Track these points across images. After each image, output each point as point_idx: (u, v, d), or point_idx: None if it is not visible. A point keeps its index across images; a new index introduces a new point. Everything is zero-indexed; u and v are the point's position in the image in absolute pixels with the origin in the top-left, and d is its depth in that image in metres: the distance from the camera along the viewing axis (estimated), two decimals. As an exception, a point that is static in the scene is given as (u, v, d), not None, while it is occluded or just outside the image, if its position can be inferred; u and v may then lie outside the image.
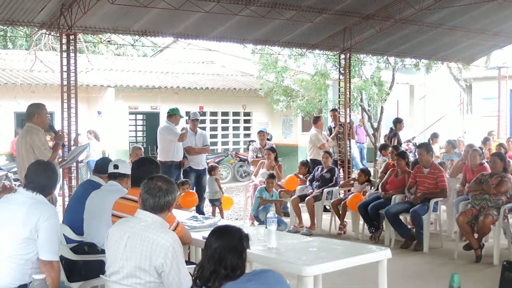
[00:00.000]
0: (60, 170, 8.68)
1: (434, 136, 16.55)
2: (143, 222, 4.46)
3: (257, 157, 13.67)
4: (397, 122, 15.20)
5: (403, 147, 14.99)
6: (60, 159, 9.02)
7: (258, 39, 14.20)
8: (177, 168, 11.91)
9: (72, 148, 11.55)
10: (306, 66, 20.91)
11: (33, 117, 8.11)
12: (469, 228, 9.12)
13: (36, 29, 12.99)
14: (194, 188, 12.03)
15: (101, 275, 4.72)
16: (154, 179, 4.61)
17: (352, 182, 12.44)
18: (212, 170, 12.97)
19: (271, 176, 11.82)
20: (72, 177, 11.82)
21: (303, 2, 12.23)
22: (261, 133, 14.18)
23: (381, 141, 18.80)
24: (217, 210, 12.81)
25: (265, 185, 11.76)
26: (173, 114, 12.10)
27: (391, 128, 15.12)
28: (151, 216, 4.48)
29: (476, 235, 9.15)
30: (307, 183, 12.39)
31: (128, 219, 4.66)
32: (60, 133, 8.83)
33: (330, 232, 11.60)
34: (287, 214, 12.70)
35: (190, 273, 4.46)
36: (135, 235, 4.39)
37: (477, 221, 9.06)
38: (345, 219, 11.55)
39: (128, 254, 4.38)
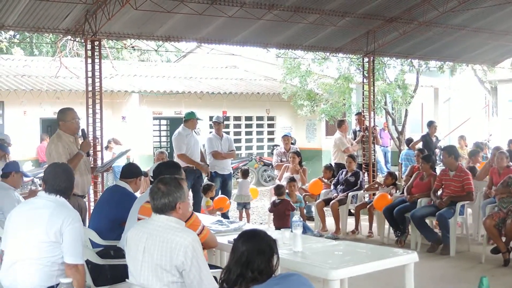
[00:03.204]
0: (90, 176, 8.55)
1: (461, 138, 16.47)
2: (159, 222, 4.53)
3: (281, 161, 13.65)
4: (428, 125, 15.16)
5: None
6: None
7: (281, 43, 14.19)
8: (192, 173, 11.79)
9: (98, 153, 11.64)
10: (330, 70, 20.87)
11: (59, 124, 8.01)
12: (496, 232, 9.03)
13: (61, 35, 13.08)
14: (220, 192, 12.05)
15: (127, 279, 4.75)
16: (158, 182, 4.67)
17: (376, 186, 12.39)
18: (246, 173, 13.08)
19: (292, 180, 11.78)
20: (98, 183, 11.88)
21: (326, 6, 12.21)
22: (286, 137, 14.16)
23: (405, 144, 18.71)
24: (243, 214, 12.86)
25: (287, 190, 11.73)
26: (189, 119, 11.94)
27: (427, 132, 15.08)
28: (161, 217, 4.55)
29: (503, 239, 9.06)
30: (332, 187, 12.36)
31: (144, 222, 4.74)
32: (88, 141, 8.51)
33: (353, 235, 11.58)
34: (311, 218, 12.68)
35: (215, 277, 4.46)
36: (154, 237, 4.44)
37: (504, 224, 8.96)
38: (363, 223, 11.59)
39: (148, 257, 4.43)
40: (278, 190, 10.89)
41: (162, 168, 6.04)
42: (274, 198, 12.41)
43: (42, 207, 4.90)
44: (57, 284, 4.83)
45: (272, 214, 10.95)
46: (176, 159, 11.71)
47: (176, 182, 4.67)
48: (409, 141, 17.05)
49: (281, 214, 10.49)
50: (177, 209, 4.58)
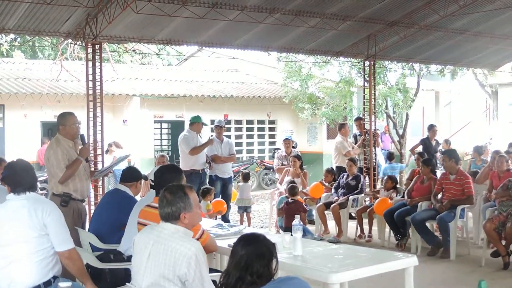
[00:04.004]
0: (89, 181, 8.46)
1: (445, 142, 16.38)
2: (166, 230, 4.49)
3: (282, 164, 13.65)
4: (428, 129, 15.08)
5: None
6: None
7: (283, 46, 14.18)
8: (198, 176, 11.86)
9: (98, 157, 11.62)
10: (331, 74, 20.87)
11: (59, 128, 7.90)
12: (496, 235, 9.04)
13: (62, 39, 13.08)
14: (220, 196, 12.05)
15: (127, 283, 4.75)
16: (165, 190, 4.64)
17: (379, 192, 12.33)
18: (247, 177, 13.10)
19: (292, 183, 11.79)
20: (98, 186, 11.87)
21: (327, 10, 12.21)
22: (287, 140, 14.16)
23: (407, 148, 18.71)
24: (244, 217, 12.86)
25: (285, 194, 11.69)
26: (194, 122, 12.05)
27: (427, 136, 15.00)
28: (168, 224, 4.52)
29: (503, 242, 9.07)
30: (332, 190, 12.36)
31: (152, 227, 4.70)
32: (87, 147, 8.35)
33: (356, 240, 11.58)
34: (312, 222, 12.68)
35: (215, 280, 4.46)
36: (159, 244, 4.41)
37: (504, 228, 8.97)
38: (371, 227, 11.60)
39: (152, 264, 4.40)
40: (292, 190, 11.11)
41: (163, 171, 6.03)
42: (275, 201, 12.48)
43: (18, 208, 4.97)
44: (54, 278, 4.98)
45: (274, 215, 11.01)
46: (182, 161, 11.79)
47: (181, 192, 4.61)
48: (389, 156, 17.00)
49: (293, 214, 10.43)
50: (182, 219, 4.53)
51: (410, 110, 20.37)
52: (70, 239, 5.09)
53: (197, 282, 4.29)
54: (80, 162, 7.79)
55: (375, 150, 15.29)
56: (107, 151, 17.26)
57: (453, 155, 10.57)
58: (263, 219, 14.67)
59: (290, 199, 11.01)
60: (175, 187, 4.67)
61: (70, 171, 7.61)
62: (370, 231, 11.64)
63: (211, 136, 12.31)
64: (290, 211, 10.75)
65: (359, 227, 11.82)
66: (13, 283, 4.87)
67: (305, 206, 11.16)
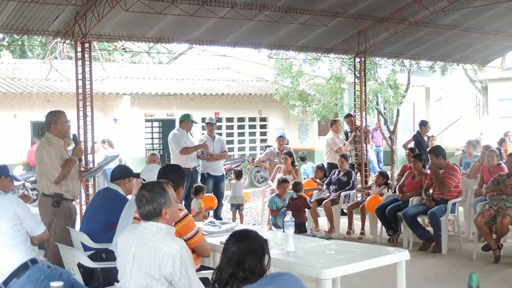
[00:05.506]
0: (79, 181, 8.40)
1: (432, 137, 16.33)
2: (148, 230, 4.48)
3: (269, 160, 13.70)
4: (422, 124, 14.98)
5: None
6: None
7: (273, 44, 14.18)
8: (189, 175, 11.81)
9: (89, 157, 11.59)
10: (321, 70, 20.88)
11: (49, 127, 7.76)
12: (487, 229, 9.08)
13: (51, 38, 13.04)
14: (212, 193, 12.03)
15: (115, 283, 4.73)
16: (142, 189, 4.62)
17: (370, 188, 12.34)
18: (239, 175, 13.09)
19: (284, 181, 11.75)
20: (89, 185, 11.84)
21: (317, 6, 12.22)
22: (281, 138, 14.16)
23: (398, 144, 18.73)
24: (237, 215, 12.86)
25: (277, 192, 11.65)
26: (183, 120, 11.99)
27: (418, 131, 14.96)
28: (150, 223, 4.50)
29: (494, 236, 9.11)
30: (324, 186, 12.36)
31: (133, 228, 4.70)
32: (80, 147, 8.27)
33: (348, 236, 11.59)
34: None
35: (207, 278, 4.46)
36: (143, 245, 4.40)
37: (495, 222, 9.02)
38: (354, 222, 11.65)
39: (138, 265, 4.40)
40: (296, 186, 11.35)
41: (169, 169, 6.06)
42: (266, 199, 12.47)
43: None
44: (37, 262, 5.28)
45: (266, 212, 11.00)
46: (173, 160, 11.74)
47: (160, 187, 4.60)
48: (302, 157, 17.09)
49: (298, 210, 10.82)
50: (164, 215, 4.52)
51: (401, 106, 20.40)
52: (41, 221, 5.51)
53: (184, 281, 4.30)
54: (75, 162, 7.75)
55: (366, 147, 15.32)
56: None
57: (438, 152, 10.55)
58: (255, 216, 14.67)
59: (295, 194, 11.16)
60: (152, 184, 4.67)
61: (65, 171, 7.57)
62: (362, 228, 11.64)
63: (205, 141, 12.21)
64: (295, 206, 10.86)
65: (356, 222, 11.80)
66: (4, 266, 5.09)
67: (309, 203, 11.29)
